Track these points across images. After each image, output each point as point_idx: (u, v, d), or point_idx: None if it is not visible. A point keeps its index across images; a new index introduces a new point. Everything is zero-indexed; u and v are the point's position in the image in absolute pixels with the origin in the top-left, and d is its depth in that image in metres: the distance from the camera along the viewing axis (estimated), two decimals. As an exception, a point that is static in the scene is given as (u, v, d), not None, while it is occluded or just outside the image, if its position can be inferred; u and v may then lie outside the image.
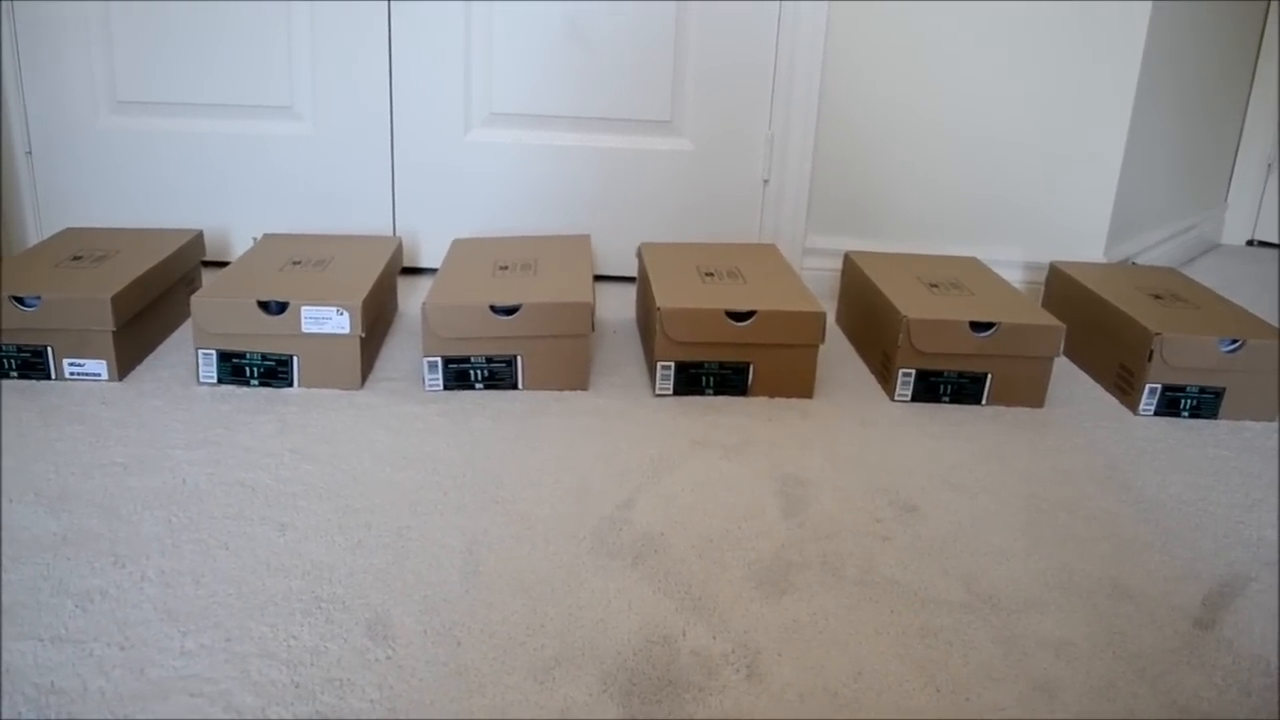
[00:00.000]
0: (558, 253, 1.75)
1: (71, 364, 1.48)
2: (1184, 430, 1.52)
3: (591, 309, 1.51)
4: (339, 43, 1.93)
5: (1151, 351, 1.54)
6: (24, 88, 1.93)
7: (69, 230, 1.78)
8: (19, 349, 1.47)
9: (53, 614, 0.96)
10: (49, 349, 1.47)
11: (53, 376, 1.49)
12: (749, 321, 1.51)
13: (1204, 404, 1.56)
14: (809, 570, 1.10)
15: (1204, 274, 2.45)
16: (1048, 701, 0.91)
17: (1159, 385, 1.55)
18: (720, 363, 1.53)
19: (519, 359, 1.52)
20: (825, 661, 0.95)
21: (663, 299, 1.52)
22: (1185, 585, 1.11)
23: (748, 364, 1.53)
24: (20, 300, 1.45)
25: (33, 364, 1.48)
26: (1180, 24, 2.10)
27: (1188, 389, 1.56)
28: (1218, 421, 1.56)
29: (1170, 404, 1.56)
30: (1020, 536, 1.19)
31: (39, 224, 2.01)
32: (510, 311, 1.49)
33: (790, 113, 1.97)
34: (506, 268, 1.65)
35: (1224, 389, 1.55)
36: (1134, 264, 2.21)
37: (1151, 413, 1.57)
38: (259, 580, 1.03)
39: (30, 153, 1.98)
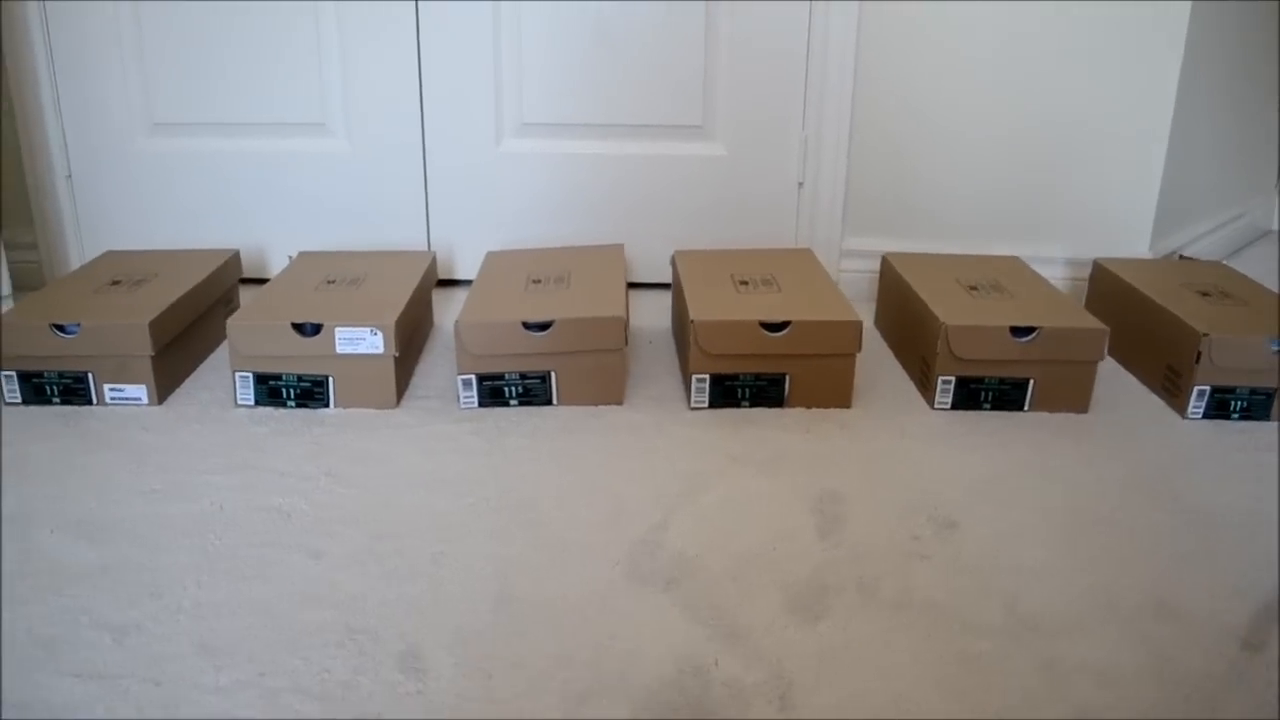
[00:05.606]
0: (591, 264, 1.74)
1: (112, 389, 1.50)
2: (1234, 434, 1.48)
3: (624, 323, 1.50)
4: (369, 59, 1.94)
5: (1199, 353, 1.50)
6: (62, 112, 1.96)
7: (108, 253, 1.80)
8: (61, 375, 1.49)
9: (91, 648, 0.97)
10: (90, 375, 1.49)
11: (94, 402, 1.51)
12: (784, 332, 1.49)
13: (1255, 406, 1.52)
14: (845, 593, 1.08)
15: (1254, 262, 2.38)
16: (1090, 730, 0.89)
17: (1208, 387, 1.51)
18: (756, 374, 1.51)
19: (553, 375, 1.51)
20: (862, 691, 0.93)
21: (696, 311, 1.51)
22: (1233, 603, 1.08)
23: (784, 375, 1.51)
24: (61, 328, 1.47)
25: (74, 390, 1.50)
26: (1224, 9, 2.04)
27: (1238, 390, 1.51)
28: (1270, 424, 1.51)
29: (1220, 406, 1.52)
30: (1063, 553, 1.16)
31: (80, 246, 2.04)
32: (543, 327, 1.48)
33: (824, 113, 1.95)
34: (539, 281, 1.64)
35: (1275, 390, 1.51)
36: (1181, 257, 2.16)
37: (1200, 416, 1.53)
38: (293, 611, 1.04)
39: (70, 177, 2.00)
